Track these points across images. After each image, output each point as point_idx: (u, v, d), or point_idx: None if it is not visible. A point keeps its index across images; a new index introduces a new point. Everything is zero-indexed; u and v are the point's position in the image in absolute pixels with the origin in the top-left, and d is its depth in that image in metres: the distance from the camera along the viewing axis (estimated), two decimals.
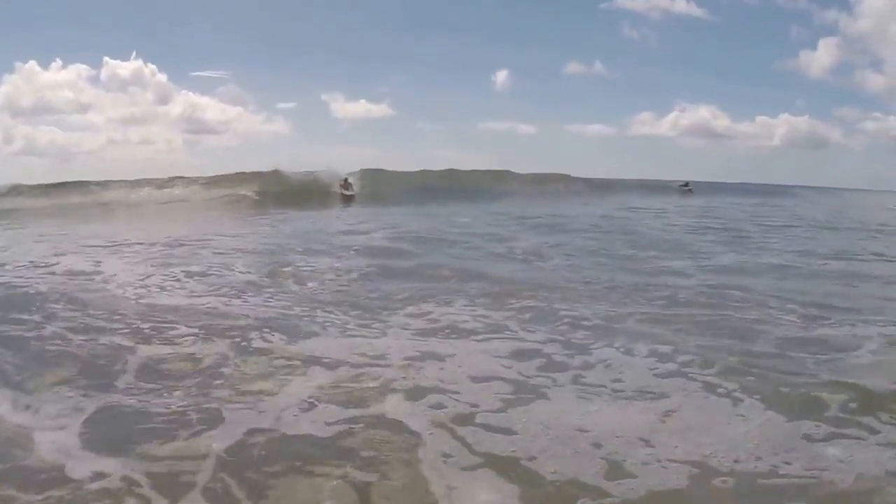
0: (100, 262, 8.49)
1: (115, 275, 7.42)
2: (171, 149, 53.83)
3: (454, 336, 5.02)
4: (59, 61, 58.93)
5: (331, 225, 15.46)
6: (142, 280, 7.16)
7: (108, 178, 27.63)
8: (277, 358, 4.36)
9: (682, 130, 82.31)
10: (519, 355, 4.52)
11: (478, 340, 4.89)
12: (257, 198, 25.10)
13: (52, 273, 7.65)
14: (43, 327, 5.17)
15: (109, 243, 10.70)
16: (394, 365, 4.19)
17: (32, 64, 57.14)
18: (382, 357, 4.37)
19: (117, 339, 4.79)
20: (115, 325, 5.21)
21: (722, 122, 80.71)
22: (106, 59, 65.12)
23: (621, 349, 4.67)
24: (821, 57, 74.77)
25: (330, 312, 5.68)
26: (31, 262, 8.53)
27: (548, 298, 6.36)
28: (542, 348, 4.70)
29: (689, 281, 7.72)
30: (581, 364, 4.32)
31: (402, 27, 79.69)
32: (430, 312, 5.73)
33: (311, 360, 4.28)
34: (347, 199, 25.06)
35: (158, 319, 5.36)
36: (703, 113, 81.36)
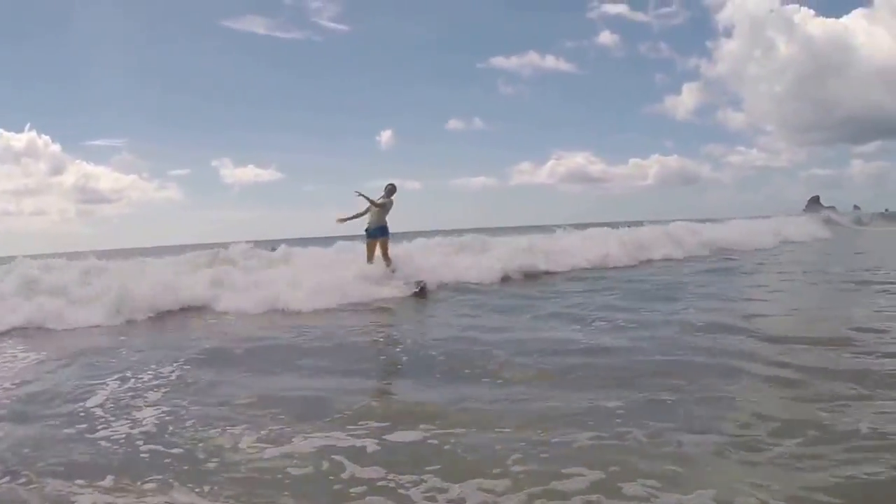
0: None
1: None
2: (64, 219, 52.59)
3: None
4: None
5: None
6: None
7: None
8: None
9: (560, 177, 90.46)
10: None
11: None
12: None
13: None
14: None
15: None
16: None
17: None
18: None
19: None
20: None
21: (597, 166, 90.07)
22: (0, 131, 63.38)
23: None
24: (685, 100, 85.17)
25: None
26: None
27: None
28: None
29: None
30: None
31: (287, 91, 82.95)
32: None
33: None
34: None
35: None
36: (578, 160, 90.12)
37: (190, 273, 10.87)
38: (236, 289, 9.94)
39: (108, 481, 3.05)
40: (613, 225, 18.41)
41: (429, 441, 3.44)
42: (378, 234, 11.10)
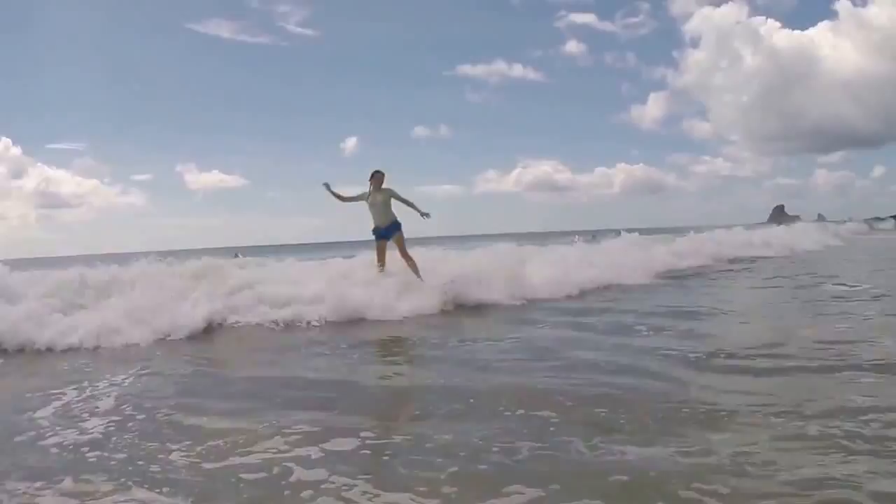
0: None
1: None
2: (23, 224, 50.67)
3: None
4: None
5: None
6: None
7: None
8: None
9: (527, 185, 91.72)
10: None
11: None
12: None
13: None
14: None
15: None
16: None
17: None
18: None
19: None
20: None
21: (563, 175, 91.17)
22: None
23: None
24: (651, 110, 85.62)
25: None
26: None
27: None
28: None
29: None
30: None
31: (252, 96, 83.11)
32: None
33: None
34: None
35: None
36: (544, 168, 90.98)
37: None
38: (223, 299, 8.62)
39: (69, 483, 3.26)
40: (581, 233, 19.01)
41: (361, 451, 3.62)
42: (392, 230, 9.25)
